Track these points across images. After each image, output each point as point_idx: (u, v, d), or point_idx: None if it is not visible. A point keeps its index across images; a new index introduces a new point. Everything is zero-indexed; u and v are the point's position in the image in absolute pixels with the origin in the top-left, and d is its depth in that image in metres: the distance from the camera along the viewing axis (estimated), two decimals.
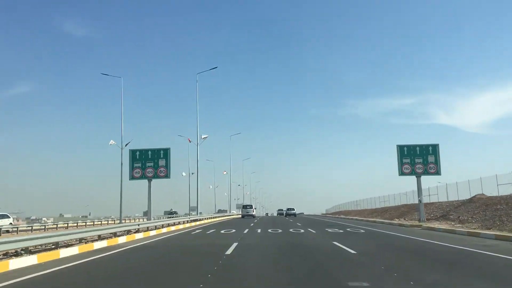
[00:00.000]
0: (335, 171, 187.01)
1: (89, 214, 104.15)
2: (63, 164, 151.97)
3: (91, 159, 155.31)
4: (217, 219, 48.21)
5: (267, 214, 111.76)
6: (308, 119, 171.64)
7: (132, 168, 29.87)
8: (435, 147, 29.75)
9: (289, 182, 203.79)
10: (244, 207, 60.46)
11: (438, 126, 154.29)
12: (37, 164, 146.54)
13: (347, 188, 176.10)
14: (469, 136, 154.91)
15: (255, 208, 67.50)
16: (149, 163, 29.90)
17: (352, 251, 11.95)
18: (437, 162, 29.40)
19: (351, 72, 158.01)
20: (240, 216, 58.32)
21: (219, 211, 68.20)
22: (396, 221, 30.85)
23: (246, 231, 22.33)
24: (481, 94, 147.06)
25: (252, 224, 30.38)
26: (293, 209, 63.92)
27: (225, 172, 72.78)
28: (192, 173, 51.91)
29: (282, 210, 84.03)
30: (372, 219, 38.15)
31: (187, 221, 34.18)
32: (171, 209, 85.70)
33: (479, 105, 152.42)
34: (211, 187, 75.80)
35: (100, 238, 17.35)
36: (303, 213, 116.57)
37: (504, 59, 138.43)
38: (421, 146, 29.87)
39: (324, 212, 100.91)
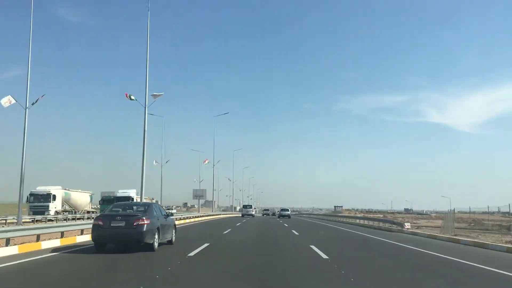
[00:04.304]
0: (329, 166, 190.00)
1: None
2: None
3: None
4: None
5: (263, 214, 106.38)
6: (300, 114, 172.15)
7: None
8: None
9: (282, 179, 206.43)
10: (244, 207, 64.05)
11: (430, 124, 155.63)
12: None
13: (346, 184, 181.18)
14: (460, 135, 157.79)
15: (255, 208, 71.09)
16: None
17: None
18: None
19: (345, 68, 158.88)
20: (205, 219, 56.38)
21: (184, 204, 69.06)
22: None
23: None
24: (473, 94, 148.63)
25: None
26: (287, 210, 55.58)
27: (206, 161, 60.24)
28: (202, 180, 65.60)
29: (267, 210, 78.48)
30: None
31: None
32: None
33: (470, 105, 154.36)
34: (214, 190, 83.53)
35: None
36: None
37: (496, 59, 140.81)
38: None
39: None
